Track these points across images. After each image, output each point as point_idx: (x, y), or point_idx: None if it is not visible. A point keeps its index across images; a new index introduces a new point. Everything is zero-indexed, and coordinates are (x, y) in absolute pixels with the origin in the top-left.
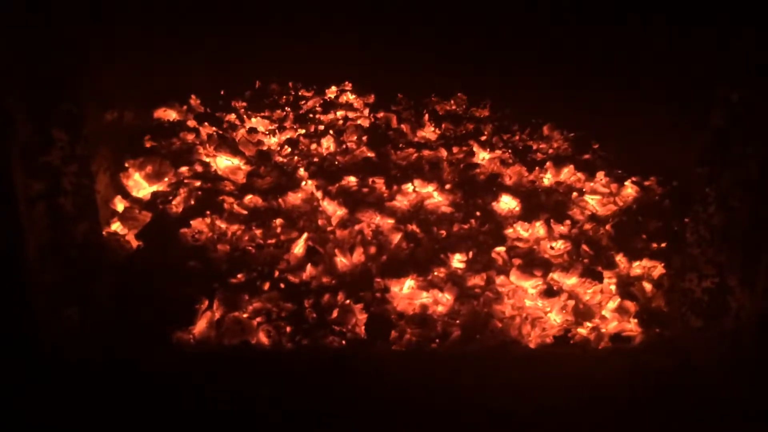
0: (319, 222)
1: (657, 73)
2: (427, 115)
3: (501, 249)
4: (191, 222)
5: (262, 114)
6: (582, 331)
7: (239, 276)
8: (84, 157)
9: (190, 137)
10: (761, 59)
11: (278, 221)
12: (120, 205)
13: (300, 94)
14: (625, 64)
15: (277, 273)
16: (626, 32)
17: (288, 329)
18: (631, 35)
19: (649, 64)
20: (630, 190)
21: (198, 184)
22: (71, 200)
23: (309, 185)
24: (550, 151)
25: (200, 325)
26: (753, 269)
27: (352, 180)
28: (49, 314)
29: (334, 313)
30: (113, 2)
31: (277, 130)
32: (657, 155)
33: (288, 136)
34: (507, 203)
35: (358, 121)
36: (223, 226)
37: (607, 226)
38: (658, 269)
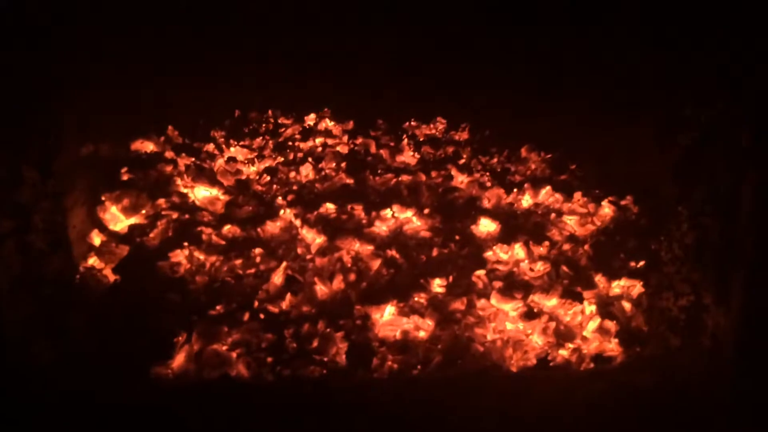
0: (299, 250)
1: (630, 93)
2: (406, 140)
3: (481, 272)
4: (169, 254)
5: (242, 143)
6: (563, 352)
7: (218, 307)
8: (56, 195)
9: (168, 168)
10: (728, 80)
11: (257, 251)
12: (97, 239)
13: (279, 121)
14: (599, 85)
15: (256, 303)
16: (600, 55)
17: (268, 360)
18: (604, 58)
19: (622, 85)
20: (607, 209)
21: (176, 215)
22: (42, 237)
23: (287, 214)
24: (528, 172)
25: (179, 359)
26: (726, 286)
27: (330, 207)
28: (21, 349)
29: (315, 343)
30: (87, 35)
31: (256, 159)
32: (632, 174)
33: (267, 165)
34: (486, 226)
35: (337, 148)
36: (202, 257)
37: (586, 246)
38: (637, 288)
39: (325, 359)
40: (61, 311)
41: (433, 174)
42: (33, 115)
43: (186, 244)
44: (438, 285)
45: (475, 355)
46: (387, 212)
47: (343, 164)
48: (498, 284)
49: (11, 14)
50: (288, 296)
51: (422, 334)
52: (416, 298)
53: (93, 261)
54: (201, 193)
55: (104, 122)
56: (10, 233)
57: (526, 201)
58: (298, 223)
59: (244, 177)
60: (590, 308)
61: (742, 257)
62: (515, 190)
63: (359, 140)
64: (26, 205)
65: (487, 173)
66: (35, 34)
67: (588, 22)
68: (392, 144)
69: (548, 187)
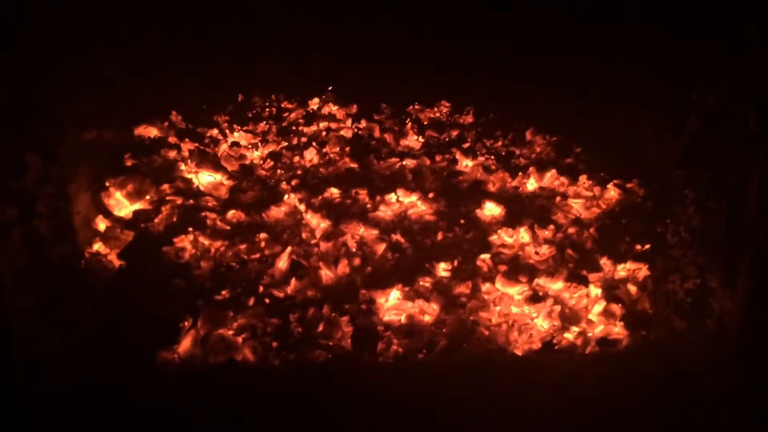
0: (303, 235)
1: (636, 76)
2: (410, 124)
3: (486, 256)
4: (174, 239)
5: (245, 128)
6: (569, 336)
7: (223, 292)
8: (60, 180)
9: (172, 154)
10: (735, 64)
11: (262, 236)
12: (101, 224)
13: (282, 106)
14: (604, 68)
15: (261, 288)
16: (605, 38)
17: (274, 344)
18: (609, 41)
19: (627, 68)
20: (613, 192)
21: (180, 201)
22: (47, 223)
23: (292, 198)
24: (533, 156)
25: (185, 344)
26: (733, 270)
27: (335, 191)
28: (27, 339)
29: (320, 327)
30: (89, 22)
31: (259, 144)
32: (638, 157)
33: (271, 150)
34: (491, 210)
35: (341, 132)
36: (207, 242)
37: (591, 230)
38: (643, 271)
39: (331, 343)
40: (66, 297)
41: (438, 158)
42: (36, 101)
43: (191, 229)
44: (443, 269)
45: (480, 338)
46: (391, 196)
47: (347, 148)
48: (503, 268)
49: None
50: (293, 281)
51: (427, 318)
52: (421, 282)
53: (98, 247)
54: (205, 178)
55: (107, 108)
56: (15, 220)
57: (531, 184)
58: (302, 207)
59: (248, 162)
60: (596, 291)
61: (748, 240)
62: (520, 173)
63: (363, 124)
64: (30, 192)
65: (492, 157)
66: (35, 21)
67: (593, 6)
68: (396, 128)
69: (553, 171)
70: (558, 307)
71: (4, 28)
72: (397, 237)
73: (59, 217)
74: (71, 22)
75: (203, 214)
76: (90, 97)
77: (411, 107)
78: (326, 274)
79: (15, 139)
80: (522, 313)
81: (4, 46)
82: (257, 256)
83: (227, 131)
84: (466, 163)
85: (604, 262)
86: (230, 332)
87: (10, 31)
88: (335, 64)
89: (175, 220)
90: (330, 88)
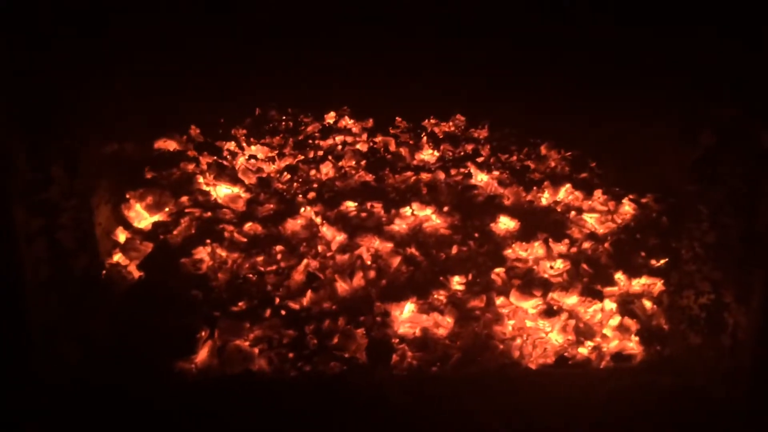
0: (319, 248)
1: (651, 91)
2: (425, 138)
3: (500, 270)
4: (192, 251)
5: (262, 141)
6: (583, 350)
7: (240, 304)
8: (83, 193)
9: (191, 167)
10: (749, 79)
11: (278, 248)
12: (122, 236)
13: (299, 119)
14: (620, 83)
15: (277, 300)
16: (621, 52)
17: (290, 356)
18: (625, 56)
19: (643, 83)
20: (627, 207)
21: (198, 213)
22: (71, 235)
23: (308, 211)
24: (548, 170)
25: (202, 354)
26: (747, 285)
27: (350, 205)
28: (49, 349)
29: (335, 339)
30: (111, 38)
31: (276, 157)
32: (653, 172)
33: (287, 163)
34: (505, 224)
35: (357, 146)
36: (224, 254)
37: (606, 244)
38: (658, 286)
39: (346, 355)
40: (87, 307)
41: (453, 172)
42: (61, 115)
43: (208, 241)
44: (457, 282)
45: (494, 352)
46: (406, 210)
47: (363, 162)
48: (517, 282)
49: (37, 20)
50: (309, 293)
51: (441, 331)
52: (436, 296)
53: (118, 258)
54: (223, 191)
55: (128, 121)
56: (40, 232)
57: (546, 199)
58: (318, 220)
59: (265, 175)
60: (610, 306)
61: (762, 255)
62: (535, 187)
63: (379, 138)
64: (55, 204)
65: (507, 171)
66: (61, 38)
67: (609, 21)
68: (411, 142)
69: (568, 185)
70: (572, 322)
71: (31, 45)
72: (411, 250)
73: (81, 228)
74: (95, 38)
75: (221, 226)
76: (112, 111)
77: (426, 121)
78: (341, 286)
79: (41, 152)
80: (536, 327)
81: (30, 63)
82: (274, 268)
83: (245, 145)
84: (481, 177)
85: (619, 276)
86: (246, 343)
87: (35, 47)
88: (351, 79)
89: (193, 232)
90: (345, 106)
